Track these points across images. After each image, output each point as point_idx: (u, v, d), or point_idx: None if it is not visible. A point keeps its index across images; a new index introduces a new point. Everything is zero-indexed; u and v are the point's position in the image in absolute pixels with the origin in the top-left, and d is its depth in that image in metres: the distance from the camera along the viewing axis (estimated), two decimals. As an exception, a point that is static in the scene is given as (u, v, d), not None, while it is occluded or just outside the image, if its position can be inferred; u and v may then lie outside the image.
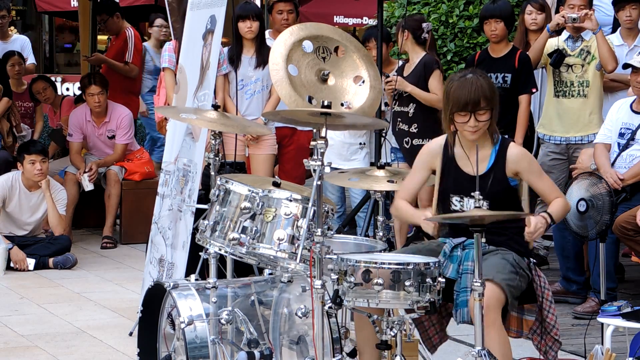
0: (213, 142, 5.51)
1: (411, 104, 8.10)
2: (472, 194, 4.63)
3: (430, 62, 8.10)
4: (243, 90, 8.14)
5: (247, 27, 8.09)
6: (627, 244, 6.83)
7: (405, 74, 8.11)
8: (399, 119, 8.18)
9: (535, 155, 7.72)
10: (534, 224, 4.81)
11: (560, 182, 7.55)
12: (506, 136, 5.23)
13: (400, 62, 8.23)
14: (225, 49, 8.10)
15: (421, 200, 7.00)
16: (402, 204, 5.13)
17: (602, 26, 8.02)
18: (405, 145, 8.11)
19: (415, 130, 8.07)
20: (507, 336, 4.82)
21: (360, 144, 8.68)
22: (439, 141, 5.14)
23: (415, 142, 7.98)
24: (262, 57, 8.07)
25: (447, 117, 4.96)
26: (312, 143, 4.60)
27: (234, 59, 8.05)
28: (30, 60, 12.06)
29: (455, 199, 5.01)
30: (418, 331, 5.15)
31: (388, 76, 8.06)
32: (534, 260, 5.09)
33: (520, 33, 8.35)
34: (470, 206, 4.89)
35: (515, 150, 5.04)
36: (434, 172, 5.12)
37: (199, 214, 6.09)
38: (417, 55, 8.14)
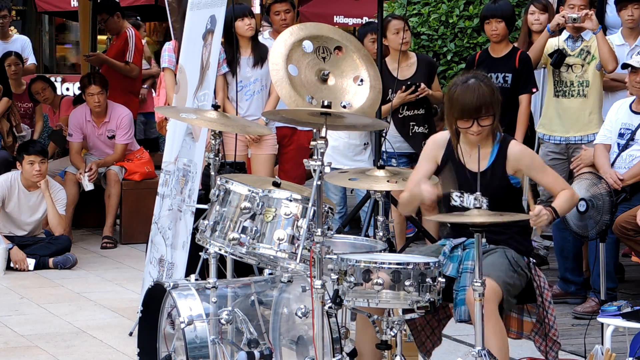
0: (213, 142, 5.50)
1: (424, 106, 8.29)
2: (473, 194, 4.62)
3: (434, 62, 8.45)
4: (242, 91, 8.12)
5: (247, 25, 8.07)
6: (627, 244, 6.83)
7: (404, 76, 8.15)
8: (412, 123, 8.27)
9: (535, 156, 7.73)
10: (538, 209, 4.81)
11: (560, 182, 7.55)
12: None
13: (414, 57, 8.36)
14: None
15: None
16: (403, 194, 5.12)
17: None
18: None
19: (427, 131, 8.23)
20: (504, 328, 4.83)
21: (365, 144, 8.68)
22: (445, 134, 5.16)
23: None
24: (259, 55, 8.07)
25: (450, 120, 4.97)
26: (312, 143, 4.59)
27: (233, 63, 8.02)
28: (31, 60, 12.04)
29: (455, 195, 5.00)
30: (413, 336, 5.15)
31: (417, 85, 8.15)
32: (534, 260, 5.09)
33: (524, 33, 8.34)
34: (470, 202, 4.89)
35: (516, 148, 5.04)
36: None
37: (199, 214, 6.08)
38: (409, 55, 8.29)
